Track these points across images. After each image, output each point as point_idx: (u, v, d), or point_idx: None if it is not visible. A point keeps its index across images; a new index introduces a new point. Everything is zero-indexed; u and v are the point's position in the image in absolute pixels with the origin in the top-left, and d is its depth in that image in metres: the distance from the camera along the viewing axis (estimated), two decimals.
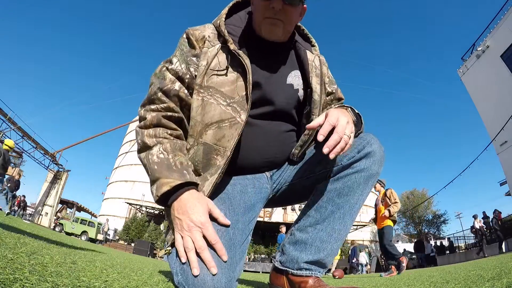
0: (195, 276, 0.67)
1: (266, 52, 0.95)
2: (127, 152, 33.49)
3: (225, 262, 0.71)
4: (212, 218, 0.76)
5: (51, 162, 20.35)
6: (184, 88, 0.89)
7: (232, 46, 0.87)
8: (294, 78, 0.98)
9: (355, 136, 0.86)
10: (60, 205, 24.23)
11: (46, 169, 20.31)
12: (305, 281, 0.85)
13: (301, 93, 0.99)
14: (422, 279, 1.98)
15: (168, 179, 0.75)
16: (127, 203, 24.77)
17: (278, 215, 25.09)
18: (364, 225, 27.02)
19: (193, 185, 0.79)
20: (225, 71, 0.88)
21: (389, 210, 4.76)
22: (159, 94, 0.87)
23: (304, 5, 0.94)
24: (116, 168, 34.43)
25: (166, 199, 0.77)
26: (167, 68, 0.90)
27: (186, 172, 0.79)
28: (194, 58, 0.90)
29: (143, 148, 0.84)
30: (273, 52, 0.96)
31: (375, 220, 5.27)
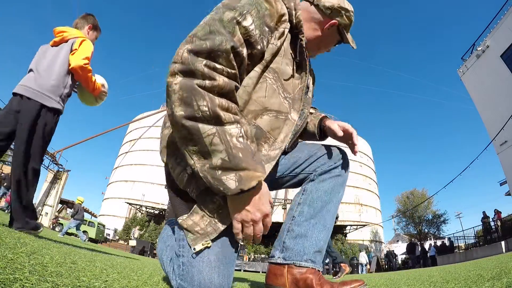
0: (202, 277, 0.67)
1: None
2: (127, 152, 33.50)
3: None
4: None
5: (51, 162, 20.32)
6: (247, 58, 0.74)
7: (304, 43, 0.88)
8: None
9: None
10: (60, 205, 24.21)
11: (46, 169, 20.29)
12: (309, 278, 0.86)
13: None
14: (422, 279, 1.98)
15: (257, 173, 0.66)
16: (127, 203, 24.78)
17: (278, 215, 25.09)
18: (364, 225, 27.04)
19: None
20: (290, 62, 0.87)
21: None
22: (231, 55, 0.67)
23: None
24: (116, 168, 34.42)
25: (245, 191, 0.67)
26: (238, 23, 0.70)
27: (264, 164, 0.77)
28: (267, 30, 0.77)
29: (212, 120, 0.64)
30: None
31: None
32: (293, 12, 0.86)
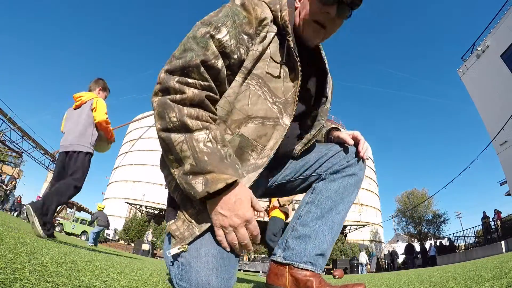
0: (199, 278, 0.67)
1: (303, 55, 0.91)
2: (127, 152, 33.48)
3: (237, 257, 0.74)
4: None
5: (51, 162, 20.35)
6: (225, 68, 0.76)
7: (292, 44, 0.82)
8: (311, 83, 0.99)
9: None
10: (60, 205, 24.19)
11: (46, 169, 20.32)
12: (310, 281, 0.86)
13: (312, 98, 1.01)
14: (422, 279, 1.98)
15: (224, 175, 0.67)
16: (127, 203, 24.78)
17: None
18: (364, 225, 27.04)
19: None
20: (279, 65, 0.83)
21: (278, 200, 4.37)
22: (201, 69, 0.72)
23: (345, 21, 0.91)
24: (116, 168, 34.41)
25: (214, 194, 0.69)
26: (212, 36, 0.73)
27: (238, 167, 0.74)
28: (245, 37, 0.78)
29: (180, 128, 0.69)
30: (306, 56, 0.94)
31: (267, 211, 4.74)
32: (279, 14, 0.83)
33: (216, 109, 0.78)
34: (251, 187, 0.79)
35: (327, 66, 1.02)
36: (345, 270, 15.22)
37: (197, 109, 0.71)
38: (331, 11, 0.82)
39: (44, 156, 19.78)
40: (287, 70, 0.85)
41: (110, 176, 35.26)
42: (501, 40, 13.55)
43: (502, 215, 13.66)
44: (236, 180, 0.69)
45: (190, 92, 0.70)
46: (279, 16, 0.83)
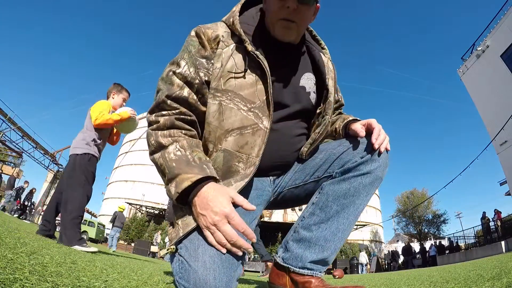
0: (197, 276, 0.67)
1: (279, 53, 0.91)
2: (127, 152, 33.48)
3: (241, 255, 0.73)
4: (237, 206, 0.74)
5: (51, 162, 20.35)
6: (193, 93, 0.84)
7: (250, 47, 0.83)
8: (307, 81, 0.96)
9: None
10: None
11: (46, 169, 20.32)
12: (309, 282, 0.85)
13: (312, 95, 0.97)
14: (422, 279, 1.97)
15: (188, 174, 0.72)
16: (127, 203, 24.76)
17: (278, 215, 25.10)
18: (364, 225, 27.04)
19: (213, 179, 0.75)
20: (243, 73, 0.84)
21: None
22: (168, 101, 0.83)
23: (318, 4, 0.89)
24: (116, 168, 34.42)
25: (186, 196, 0.74)
26: (174, 72, 0.85)
27: (206, 167, 0.75)
28: (203, 61, 0.85)
29: (158, 148, 0.80)
30: (286, 54, 0.93)
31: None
32: (233, 26, 0.86)
33: (197, 129, 0.88)
34: (248, 195, 0.85)
35: (322, 54, 1.00)
36: (345, 270, 15.20)
37: (170, 130, 0.82)
38: (290, 4, 0.81)
39: (44, 156, 19.76)
40: (255, 74, 0.85)
41: (110, 176, 35.30)
42: (501, 40, 13.54)
43: (502, 215, 13.65)
44: (202, 178, 0.72)
45: (163, 119, 0.82)
46: (234, 28, 0.86)
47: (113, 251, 6.03)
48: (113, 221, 9.47)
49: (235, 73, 0.84)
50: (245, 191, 0.89)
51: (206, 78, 0.85)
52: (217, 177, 0.77)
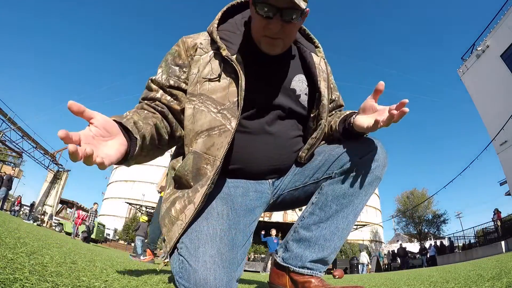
0: (197, 276, 0.67)
1: (267, 57, 0.91)
2: None
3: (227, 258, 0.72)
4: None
5: (51, 162, 20.34)
6: (166, 95, 0.91)
7: (225, 52, 0.84)
8: (298, 83, 0.96)
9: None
10: (60, 205, 24.20)
11: (46, 169, 20.31)
12: (309, 281, 0.85)
13: (303, 98, 0.96)
14: (422, 279, 1.97)
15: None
16: (127, 203, 24.76)
17: (278, 215, 25.09)
18: (364, 225, 27.04)
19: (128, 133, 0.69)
20: (218, 78, 0.86)
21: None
22: (144, 104, 0.90)
23: (307, 9, 0.84)
24: (116, 168, 34.38)
25: None
26: (151, 80, 0.93)
27: (127, 119, 0.71)
28: (176, 68, 0.92)
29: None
30: (273, 58, 0.92)
31: None
32: (213, 35, 0.89)
33: (168, 120, 0.90)
34: (247, 197, 0.90)
35: (314, 54, 0.99)
36: (345, 270, 15.19)
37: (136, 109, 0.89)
38: (273, 26, 0.79)
39: (44, 156, 19.75)
40: (229, 77, 0.86)
41: (110, 176, 35.30)
42: (501, 40, 13.53)
43: (502, 215, 13.64)
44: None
45: (139, 105, 0.91)
46: (212, 35, 0.90)
47: (142, 259, 4.94)
48: (136, 229, 9.16)
49: (210, 78, 0.87)
50: (245, 193, 0.90)
51: (176, 85, 0.91)
52: (128, 127, 0.70)
